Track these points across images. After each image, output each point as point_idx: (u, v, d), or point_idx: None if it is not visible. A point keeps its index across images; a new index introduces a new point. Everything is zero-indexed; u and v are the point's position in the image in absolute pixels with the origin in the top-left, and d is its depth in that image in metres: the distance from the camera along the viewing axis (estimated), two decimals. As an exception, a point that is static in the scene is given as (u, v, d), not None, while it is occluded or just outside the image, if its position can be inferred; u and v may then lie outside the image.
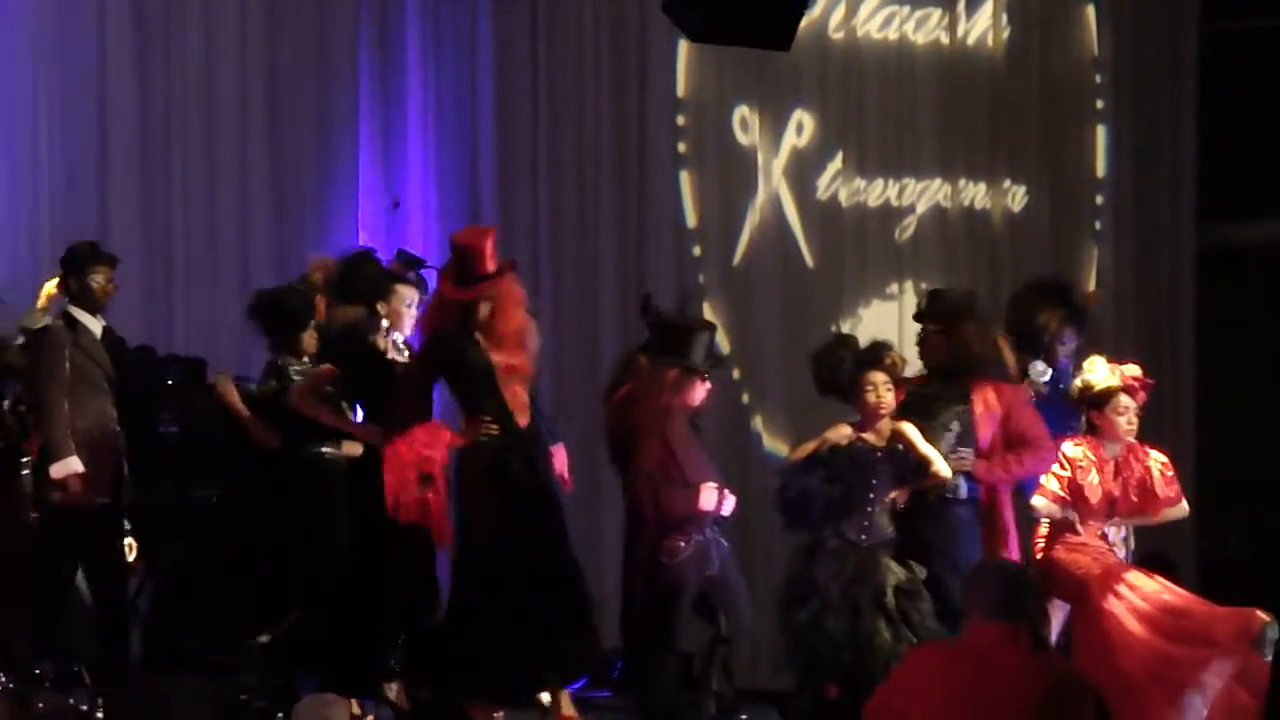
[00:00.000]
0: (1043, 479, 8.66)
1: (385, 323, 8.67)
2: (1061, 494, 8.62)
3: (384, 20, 11.23)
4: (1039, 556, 8.68)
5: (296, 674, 8.82)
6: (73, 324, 8.88)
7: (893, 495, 8.49)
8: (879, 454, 8.52)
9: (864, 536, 8.45)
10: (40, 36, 10.53)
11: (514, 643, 7.98)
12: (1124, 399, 8.66)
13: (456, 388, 8.41)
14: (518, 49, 11.50)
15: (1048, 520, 8.69)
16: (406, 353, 8.70)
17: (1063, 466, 8.64)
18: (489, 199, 11.37)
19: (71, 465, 8.68)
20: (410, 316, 8.74)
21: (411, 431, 8.17)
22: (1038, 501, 8.67)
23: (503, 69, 11.45)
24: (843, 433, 8.58)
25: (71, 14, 10.60)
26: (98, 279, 8.91)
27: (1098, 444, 8.69)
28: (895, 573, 8.39)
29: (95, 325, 8.94)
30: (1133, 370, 8.75)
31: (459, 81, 11.39)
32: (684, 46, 11.74)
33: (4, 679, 8.46)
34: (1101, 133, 12.91)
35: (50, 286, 9.06)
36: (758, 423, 11.84)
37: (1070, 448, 8.69)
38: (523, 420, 8.25)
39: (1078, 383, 8.79)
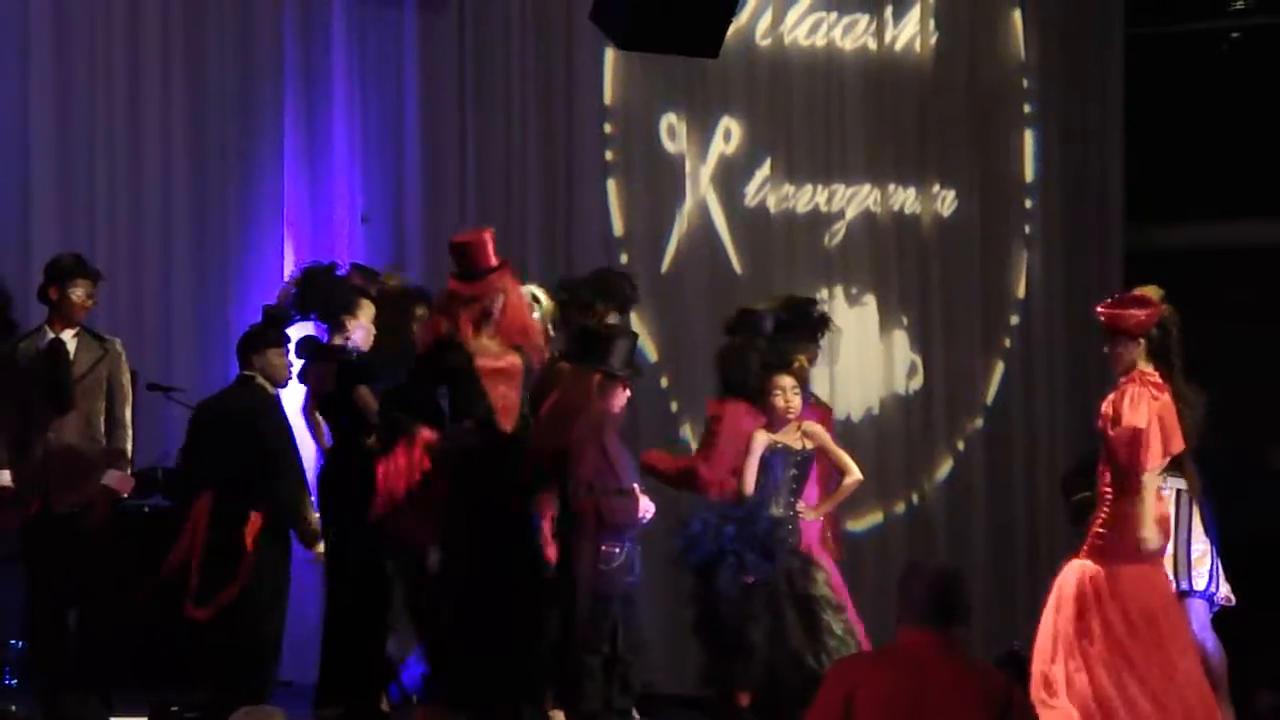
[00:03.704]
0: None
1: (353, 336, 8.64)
2: None
3: (309, 34, 11.12)
4: None
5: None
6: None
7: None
8: (801, 456, 8.53)
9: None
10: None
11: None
12: None
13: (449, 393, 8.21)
14: (444, 58, 11.42)
15: None
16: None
17: None
18: (416, 210, 11.30)
19: None
20: (370, 330, 8.71)
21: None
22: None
23: (429, 79, 11.37)
24: (763, 438, 8.55)
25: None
26: (78, 292, 8.73)
27: None
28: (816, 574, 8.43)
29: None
30: None
31: (384, 93, 11.31)
32: (611, 54, 11.69)
33: None
34: (1030, 137, 12.95)
35: None
36: (687, 430, 11.80)
37: None
38: (506, 424, 8.08)
39: None
